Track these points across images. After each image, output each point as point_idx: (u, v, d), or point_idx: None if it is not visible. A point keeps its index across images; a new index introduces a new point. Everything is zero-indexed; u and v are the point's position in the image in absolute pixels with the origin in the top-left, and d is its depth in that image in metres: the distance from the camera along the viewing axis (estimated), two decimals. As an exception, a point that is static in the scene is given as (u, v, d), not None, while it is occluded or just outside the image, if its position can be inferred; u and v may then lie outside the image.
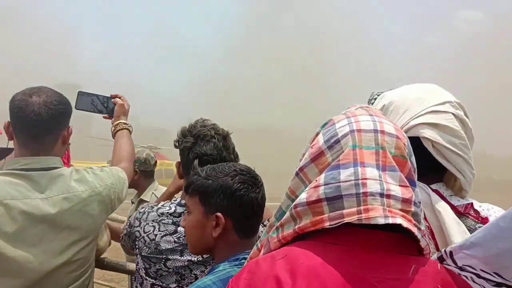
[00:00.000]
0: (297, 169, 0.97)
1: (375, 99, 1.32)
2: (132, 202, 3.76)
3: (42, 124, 1.54)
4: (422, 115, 1.19)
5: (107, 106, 2.07)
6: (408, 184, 0.90)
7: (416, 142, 1.10)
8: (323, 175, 0.91)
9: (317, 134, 0.98)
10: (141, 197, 3.63)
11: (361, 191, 0.86)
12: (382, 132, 0.92)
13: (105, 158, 34.77)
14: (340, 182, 0.88)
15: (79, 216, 1.59)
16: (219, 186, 1.30)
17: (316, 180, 0.92)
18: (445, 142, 1.16)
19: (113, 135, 2.04)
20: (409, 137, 1.01)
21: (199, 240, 1.33)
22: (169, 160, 32.05)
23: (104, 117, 2.08)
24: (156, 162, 3.74)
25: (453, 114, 1.20)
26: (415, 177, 0.94)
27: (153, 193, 3.63)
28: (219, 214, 1.29)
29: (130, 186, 2.62)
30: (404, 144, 0.94)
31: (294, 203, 0.93)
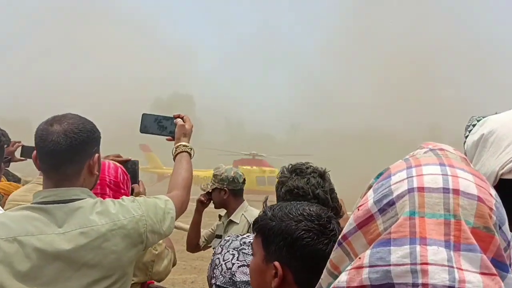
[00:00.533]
0: (339, 237, 0.76)
1: (474, 125, 1.03)
2: (220, 217, 3.72)
3: (62, 154, 1.46)
4: None
5: (170, 128, 2.02)
6: (494, 272, 0.63)
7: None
8: (368, 251, 0.68)
9: (369, 188, 0.77)
10: (230, 218, 3.53)
11: (420, 281, 0.62)
12: (456, 191, 0.66)
13: (212, 166, 26.78)
14: (390, 265, 0.65)
15: (98, 253, 1.45)
16: (280, 230, 1.13)
17: (359, 258, 0.69)
18: None
19: (174, 158, 1.97)
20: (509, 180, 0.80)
21: (259, 286, 1.20)
22: (272, 167, 27.93)
23: (167, 139, 2.05)
24: (244, 180, 3.68)
25: None
26: (509, 257, 0.67)
27: (243, 214, 3.50)
28: (276, 263, 1.11)
29: (219, 206, 3.45)
30: (491, 209, 0.67)
31: (332, 286, 0.73)
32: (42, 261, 1.42)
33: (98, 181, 1.70)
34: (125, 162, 2.10)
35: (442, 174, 0.68)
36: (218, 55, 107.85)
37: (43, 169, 1.56)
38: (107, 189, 1.88)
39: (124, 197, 1.66)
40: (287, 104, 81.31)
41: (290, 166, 1.72)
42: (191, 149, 1.99)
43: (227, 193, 3.45)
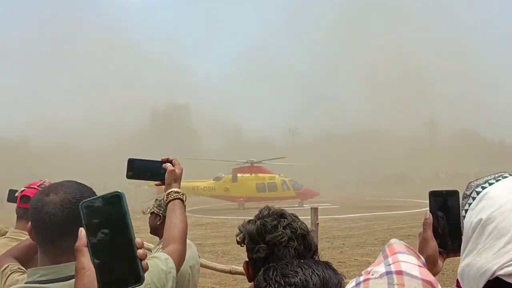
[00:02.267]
0: None
1: (474, 198, 0.93)
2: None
3: (58, 226, 1.37)
4: None
5: (158, 172, 1.90)
6: None
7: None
8: None
9: None
10: (160, 246, 3.20)
11: None
12: None
13: (211, 176, 31.90)
14: None
15: None
16: None
17: None
18: None
19: (166, 205, 1.89)
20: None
21: None
22: (271, 174, 27.92)
23: (156, 185, 1.96)
24: None
25: None
26: None
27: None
28: None
29: (152, 231, 3.06)
30: None
31: None
32: None
33: None
34: None
35: None
36: (212, 65, 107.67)
37: (38, 242, 1.46)
38: None
39: None
40: (284, 109, 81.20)
41: (262, 231, 1.37)
42: (183, 194, 1.90)
43: (161, 219, 3.20)
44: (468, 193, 0.96)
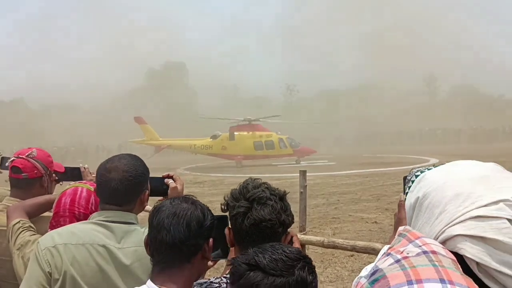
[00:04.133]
0: None
1: (413, 181, 1.00)
2: None
3: (120, 197, 1.78)
4: (461, 221, 0.84)
5: (161, 189, 2.02)
6: None
7: (458, 258, 0.81)
8: None
9: None
10: None
11: None
12: None
13: (208, 134, 31.73)
14: None
15: (147, 270, 1.57)
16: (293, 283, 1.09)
17: None
18: (495, 263, 0.80)
19: None
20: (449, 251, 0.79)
21: None
22: (268, 131, 28.13)
23: (159, 201, 1.95)
24: None
25: (509, 220, 0.82)
26: None
27: None
28: None
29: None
30: None
31: None
32: (105, 265, 1.71)
33: (67, 213, 1.95)
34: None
35: None
36: (208, 22, 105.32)
37: (101, 202, 1.84)
38: (75, 222, 1.91)
39: None
40: (281, 66, 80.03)
41: (244, 191, 1.51)
42: None
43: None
44: (409, 177, 1.04)
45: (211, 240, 1.47)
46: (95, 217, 1.79)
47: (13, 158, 2.55)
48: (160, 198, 1.99)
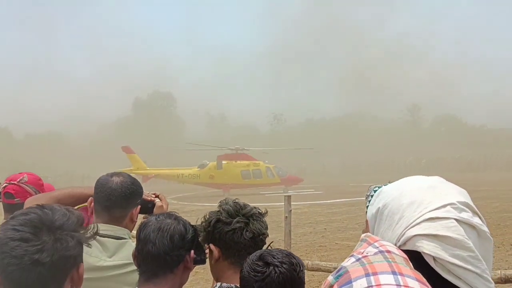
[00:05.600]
0: None
1: (372, 196, 1.17)
2: None
3: (114, 199, 1.85)
4: (417, 224, 0.99)
5: (146, 207, 2.05)
6: None
7: (418, 256, 0.97)
8: None
9: (330, 287, 0.88)
10: None
11: None
12: None
13: (195, 163, 31.95)
14: None
15: (135, 278, 1.64)
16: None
17: None
18: (448, 256, 0.95)
19: None
20: (409, 250, 0.95)
21: None
22: (256, 161, 28.14)
23: (144, 218, 1.96)
24: None
25: (456, 219, 0.98)
26: None
27: None
28: None
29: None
30: None
31: None
32: (99, 277, 1.78)
33: None
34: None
35: (397, 285, 0.81)
36: (195, 52, 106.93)
37: (96, 210, 1.90)
38: None
39: None
40: (269, 96, 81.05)
41: (238, 207, 1.67)
42: None
43: None
44: (368, 193, 1.21)
45: (192, 251, 1.60)
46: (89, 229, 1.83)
47: (5, 184, 2.65)
48: (145, 216, 2.03)
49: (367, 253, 0.91)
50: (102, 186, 1.90)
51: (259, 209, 1.72)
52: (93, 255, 1.80)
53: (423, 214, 1.00)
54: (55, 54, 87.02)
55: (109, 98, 73.73)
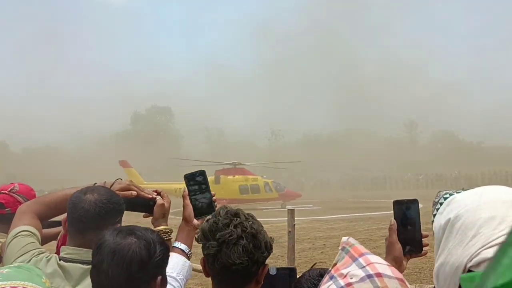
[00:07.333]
0: None
1: (441, 203, 1.06)
2: None
3: (88, 220, 1.61)
4: (496, 244, 0.83)
5: (147, 204, 1.93)
6: None
7: None
8: None
9: None
10: None
11: None
12: None
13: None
14: None
15: None
16: None
17: None
18: None
19: None
20: None
21: None
22: (254, 175, 27.94)
23: (144, 216, 1.95)
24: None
25: None
26: None
27: None
28: None
29: None
30: None
31: None
32: None
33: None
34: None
35: None
36: (194, 67, 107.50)
37: (70, 232, 1.68)
38: None
39: None
40: (267, 111, 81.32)
41: (213, 228, 1.40)
42: (170, 231, 1.91)
43: None
44: (436, 200, 1.07)
45: (159, 278, 1.34)
46: (61, 251, 1.64)
47: None
48: (145, 214, 1.91)
49: (351, 278, 0.76)
50: (74, 206, 1.64)
51: (247, 228, 1.39)
52: (54, 285, 1.54)
53: (503, 234, 0.83)
54: (54, 68, 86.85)
55: (108, 112, 73.72)
